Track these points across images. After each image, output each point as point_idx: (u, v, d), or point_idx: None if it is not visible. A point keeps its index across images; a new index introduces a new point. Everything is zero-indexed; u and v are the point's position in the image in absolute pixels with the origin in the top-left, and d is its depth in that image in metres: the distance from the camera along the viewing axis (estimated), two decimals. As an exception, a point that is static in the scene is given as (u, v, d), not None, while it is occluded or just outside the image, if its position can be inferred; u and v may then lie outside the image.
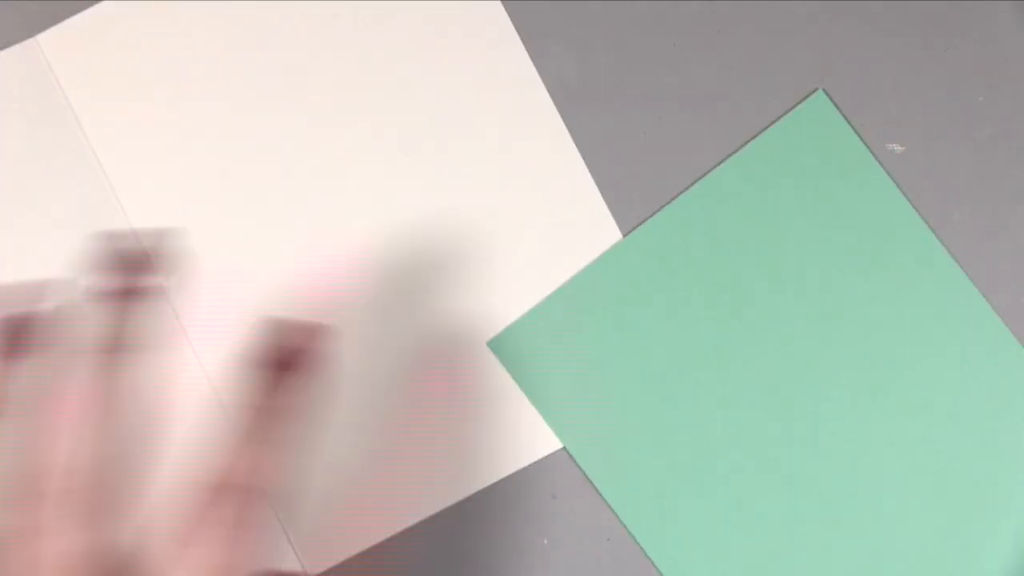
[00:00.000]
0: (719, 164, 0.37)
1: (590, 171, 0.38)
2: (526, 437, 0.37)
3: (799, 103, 0.37)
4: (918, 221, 0.36)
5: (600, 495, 0.36)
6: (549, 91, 0.38)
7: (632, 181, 0.37)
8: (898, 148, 0.37)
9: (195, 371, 0.37)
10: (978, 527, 0.35)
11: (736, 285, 0.36)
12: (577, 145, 0.38)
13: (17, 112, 0.38)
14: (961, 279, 0.36)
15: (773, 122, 0.37)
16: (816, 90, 0.37)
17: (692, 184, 0.37)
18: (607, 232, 0.37)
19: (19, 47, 0.39)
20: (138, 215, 0.38)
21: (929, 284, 0.36)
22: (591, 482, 0.36)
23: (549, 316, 0.37)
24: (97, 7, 0.39)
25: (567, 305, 0.37)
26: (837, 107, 0.37)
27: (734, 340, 0.36)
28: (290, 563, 0.37)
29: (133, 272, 0.27)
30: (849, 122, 0.37)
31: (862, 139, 0.36)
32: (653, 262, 0.37)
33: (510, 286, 0.37)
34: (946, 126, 0.37)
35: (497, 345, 0.37)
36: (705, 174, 0.37)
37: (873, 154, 0.36)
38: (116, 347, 0.26)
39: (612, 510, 0.36)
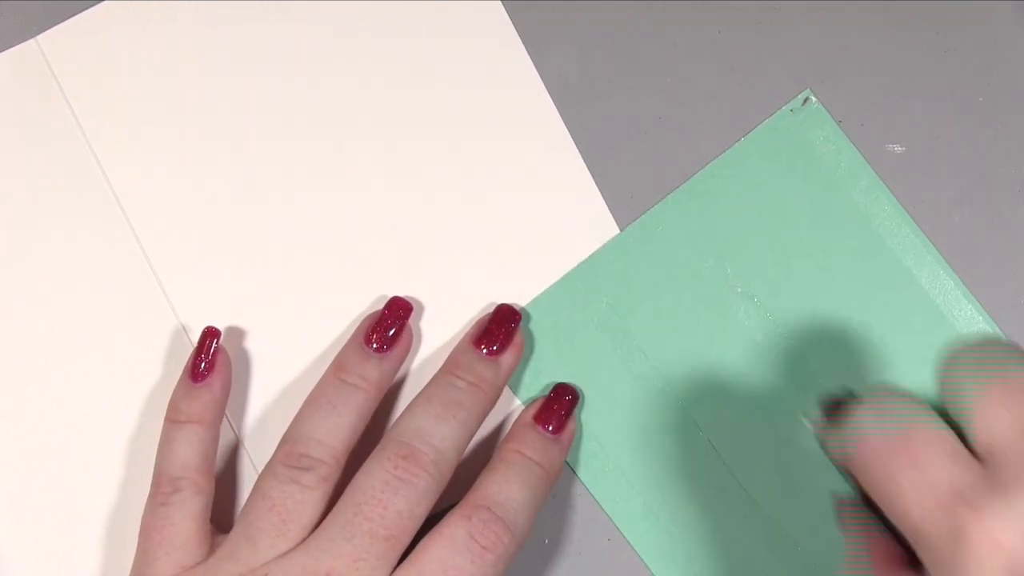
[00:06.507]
0: (707, 164, 0.37)
1: (590, 171, 0.38)
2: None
3: (787, 102, 0.37)
4: (906, 219, 0.36)
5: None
6: (549, 91, 0.38)
7: (632, 181, 0.37)
8: (898, 148, 0.37)
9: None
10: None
11: (723, 283, 0.36)
12: (577, 145, 0.38)
13: (17, 113, 0.38)
14: (947, 278, 0.36)
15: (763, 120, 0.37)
16: (805, 89, 0.37)
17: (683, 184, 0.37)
18: (606, 231, 0.37)
19: (19, 48, 0.39)
20: (138, 216, 0.38)
21: (914, 283, 0.36)
22: (585, 485, 0.36)
23: (542, 315, 0.37)
24: (97, 7, 0.39)
25: (559, 305, 0.37)
26: (825, 106, 0.37)
27: (725, 339, 0.36)
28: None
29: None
30: (835, 120, 0.37)
31: (849, 138, 0.36)
32: (643, 260, 0.37)
33: (506, 285, 0.37)
34: (946, 126, 0.37)
35: None
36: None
37: (860, 152, 0.36)
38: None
39: (605, 512, 0.36)
